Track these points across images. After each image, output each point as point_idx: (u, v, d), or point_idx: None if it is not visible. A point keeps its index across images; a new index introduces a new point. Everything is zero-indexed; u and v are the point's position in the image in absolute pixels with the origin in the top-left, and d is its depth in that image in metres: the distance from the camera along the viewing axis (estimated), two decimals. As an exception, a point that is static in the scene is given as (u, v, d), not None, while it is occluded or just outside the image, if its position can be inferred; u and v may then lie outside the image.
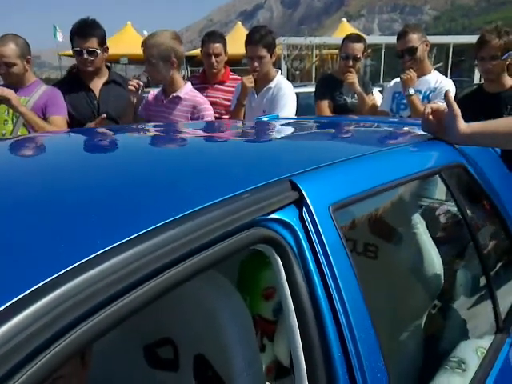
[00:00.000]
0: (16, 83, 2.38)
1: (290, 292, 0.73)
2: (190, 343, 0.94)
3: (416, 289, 1.31)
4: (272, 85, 2.63)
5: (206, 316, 0.86)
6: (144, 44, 2.34)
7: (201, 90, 2.75)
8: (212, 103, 2.55)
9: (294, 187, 0.79)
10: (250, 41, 2.60)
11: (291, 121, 2.10)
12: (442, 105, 1.36)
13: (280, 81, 2.67)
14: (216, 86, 3.00)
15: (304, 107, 3.66)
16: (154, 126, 1.81)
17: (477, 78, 12.98)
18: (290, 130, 1.73)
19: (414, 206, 1.39)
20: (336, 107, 2.89)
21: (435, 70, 2.77)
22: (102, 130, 1.67)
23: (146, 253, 0.55)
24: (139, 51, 2.51)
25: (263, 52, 2.56)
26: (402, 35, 2.62)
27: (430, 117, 1.33)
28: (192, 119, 2.34)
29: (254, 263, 1.12)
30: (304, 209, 0.78)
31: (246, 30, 12.81)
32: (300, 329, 0.73)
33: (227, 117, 2.85)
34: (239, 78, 2.92)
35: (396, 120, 2.36)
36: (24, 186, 0.80)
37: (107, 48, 2.57)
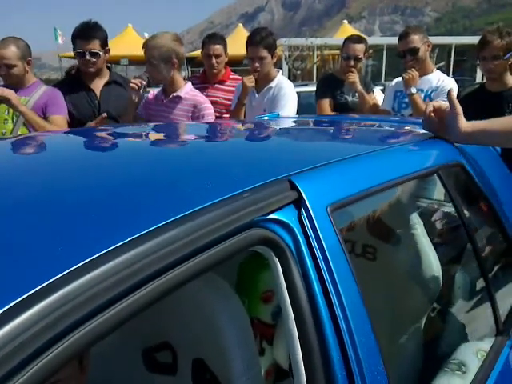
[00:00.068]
0: (16, 84, 2.41)
1: (289, 294, 0.72)
2: (189, 347, 0.94)
3: (414, 291, 1.30)
4: (273, 84, 2.65)
5: (205, 319, 0.86)
6: (145, 45, 2.35)
7: (201, 89, 2.77)
8: (212, 102, 2.55)
9: (293, 187, 0.78)
10: (251, 42, 2.62)
11: (291, 120, 2.10)
12: (444, 103, 1.35)
13: (281, 80, 2.68)
14: (216, 85, 3.02)
15: (305, 106, 3.66)
16: (154, 126, 1.81)
17: (479, 77, 13.01)
18: (289, 130, 1.72)
19: (412, 206, 1.38)
20: (337, 106, 2.90)
21: (437, 69, 2.76)
22: (102, 129, 1.67)
23: (148, 254, 0.55)
24: (139, 52, 2.51)
25: (264, 53, 2.58)
26: (403, 36, 2.63)
27: (432, 115, 1.32)
28: (192, 118, 2.35)
29: (252, 265, 1.11)
30: (302, 209, 0.77)
31: (246, 32, 12.86)
32: (299, 332, 0.72)
33: (228, 116, 2.86)
34: (239, 77, 2.93)
35: (397, 119, 2.36)
36: (24, 185, 0.79)
37: (109, 49, 2.60)
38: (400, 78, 2.68)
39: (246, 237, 0.68)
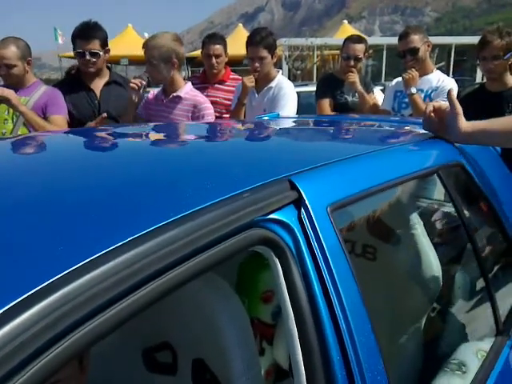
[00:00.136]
0: (16, 84, 2.41)
1: (289, 294, 0.72)
2: (189, 347, 0.94)
3: (414, 291, 1.30)
4: (273, 84, 2.65)
5: (205, 319, 0.86)
6: (145, 45, 2.35)
7: (201, 89, 2.77)
8: (212, 102, 2.55)
9: (293, 187, 0.78)
10: (250, 42, 2.62)
11: (291, 120, 2.10)
12: (444, 103, 1.35)
13: (281, 80, 2.68)
14: (216, 85, 3.02)
15: (305, 106, 3.66)
16: (154, 126, 1.81)
17: (479, 77, 13.00)
18: (289, 130, 1.72)
19: (412, 206, 1.38)
20: (337, 106, 2.90)
21: (437, 69, 2.76)
22: (102, 129, 1.67)
23: (148, 254, 0.55)
24: (139, 52, 2.51)
25: (264, 53, 2.58)
26: (403, 36, 2.63)
27: (432, 115, 1.32)
28: (192, 118, 2.35)
29: (252, 265, 1.11)
30: (302, 209, 0.77)
31: (246, 32, 12.86)
32: (299, 332, 0.72)
33: (228, 116, 2.86)
34: (239, 77, 2.93)
35: (397, 119, 2.36)
36: (24, 185, 0.79)
37: (109, 50, 2.60)
38: (400, 78, 2.68)
39: (246, 237, 0.68)
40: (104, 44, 2.53)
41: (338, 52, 10.94)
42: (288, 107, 2.57)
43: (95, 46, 2.48)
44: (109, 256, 0.52)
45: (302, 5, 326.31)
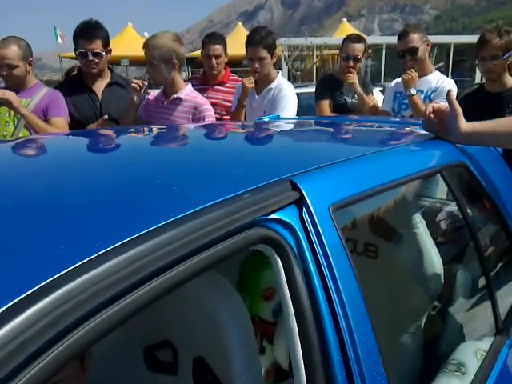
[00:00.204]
0: (17, 85, 2.39)
1: (290, 293, 0.73)
2: (190, 346, 0.94)
3: (416, 289, 1.30)
4: (273, 86, 2.64)
5: (206, 318, 0.86)
6: (146, 46, 2.35)
7: (201, 91, 2.76)
8: (212, 104, 2.55)
9: (295, 187, 0.79)
10: (250, 42, 2.60)
11: (292, 121, 2.10)
12: (444, 104, 1.36)
13: (281, 82, 2.67)
14: (216, 86, 3.01)
15: (305, 107, 3.66)
16: (155, 128, 1.81)
17: (478, 77, 12.98)
18: (290, 131, 1.73)
19: (414, 205, 1.38)
20: (336, 107, 2.89)
21: (436, 69, 2.76)
22: (103, 131, 1.67)
23: (148, 253, 0.55)
24: (140, 53, 2.50)
25: (264, 53, 2.57)
26: (402, 35, 2.62)
27: (432, 116, 1.33)
28: (193, 120, 2.35)
29: (254, 263, 1.12)
30: (304, 209, 0.77)
31: (246, 31, 12.83)
32: (299, 331, 0.72)
33: (228, 117, 2.85)
34: (239, 79, 2.92)
35: (397, 120, 2.36)
36: (25, 187, 0.80)
37: (110, 50, 2.59)
38: (399, 79, 2.67)
39: (248, 236, 0.68)
40: (106, 44, 2.51)
41: (337, 52, 10.92)
42: (288, 108, 2.56)
43: (97, 45, 2.45)
44: (109, 255, 0.53)
45: (301, 3, 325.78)
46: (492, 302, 1.22)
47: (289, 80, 3.22)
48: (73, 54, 2.60)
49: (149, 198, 0.72)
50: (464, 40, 15.79)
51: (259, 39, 2.55)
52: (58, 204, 0.70)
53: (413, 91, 2.50)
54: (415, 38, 2.57)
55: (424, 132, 1.38)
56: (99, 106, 2.56)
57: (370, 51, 4.61)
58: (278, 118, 2.16)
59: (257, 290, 1.14)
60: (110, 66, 2.74)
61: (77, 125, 2.48)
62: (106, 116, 2.42)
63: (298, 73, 14.56)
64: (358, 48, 2.84)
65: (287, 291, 0.73)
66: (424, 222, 1.28)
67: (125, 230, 0.58)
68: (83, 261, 0.51)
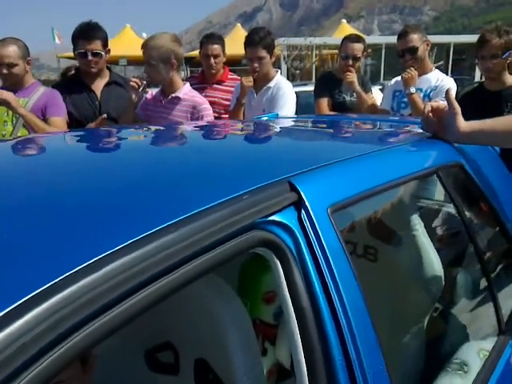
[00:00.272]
0: (15, 84, 2.40)
1: (290, 295, 0.72)
2: (191, 347, 0.94)
3: (416, 291, 1.30)
4: (271, 84, 2.65)
5: (206, 320, 0.86)
6: (144, 46, 2.35)
7: (199, 89, 2.77)
8: (211, 103, 2.55)
9: (293, 188, 0.78)
10: (249, 42, 2.61)
11: (290, 120, 2.10)
12: (443, 103, 1.35)
13: (280, 80, 2.68)
14: (215, 85, 3.02)
15: (304, 106, 3.66)
16: (154, 127, 1.81)
17: (478, 76, 13.01)
18: (288, 130, 1.72)
19: (412, 206, 1.38)
20: (335, 105, 2.90)
21: (436, 68, 2.76)
22: (102, 131, 1.66)
23: (147, 256, 0.55)
24: (138, 53, 2.50)
25: (263, 53, 2.58)
26: (402, 35, 2.62)
27: (430, 115, 1.32)
28: (192, 119, 2.35)
29: (254, 267, 1.12)
30: (303, 210, 0.77)
31: (245, 32, 12.84)
32: (300, 332, 0.72)
33: (226, 116, 2.85)
34: (238, 77, 2.93)
35: (396, 118, 2.36)
36: (23, 188, 0.79)
37: (109, 50, 2.61)
38: (399, 78, 2.68)
39: (247, 239, 0.68)
40: (105, 44, 2.54)
41: (336, 51, 10.95)
42: (287, 107, 2.57)
43: (97, 46, 2.48)
44: (109, 258, 0.53)
45: (300, 4, 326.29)
46: (494, 303, 1.21)
47: (288, 79, 3.22)
48: (70, 54, 2.61)
49: (148, 200, 0.72)
50: (463, 40, 15.83)
51: (258, 39, 2.57)
52: (57, 206, 0.70)
53: (412, 90, 2.51)
54: (415, 38, 2.58)
55: (421, 131, 1.37)
56: (98, 105, 2.57)
57: (369, 50, 4.62)
58: (277, 116, 2.16)
59: (258, 293, 1.14)
60: (109, 65, 2.75)
61: (76, 124, 2.49)
62: (105, 115, 2.43)
63: (297, 71, 14.58)
64: (357, 47, 2.85)
65: (287, 294, 0.73)
66: (422, 223, 1.27)
67: (125, 232, 0.58)
68: (83, 264, 0.51)
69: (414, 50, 2.58)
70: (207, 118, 2.36)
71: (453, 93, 1.32)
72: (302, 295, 0.72)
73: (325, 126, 1.85)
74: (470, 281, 1.37)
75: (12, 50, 2.33)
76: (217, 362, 0.90)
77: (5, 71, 2.34)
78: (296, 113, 2.67)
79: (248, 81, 2.56)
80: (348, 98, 2.92)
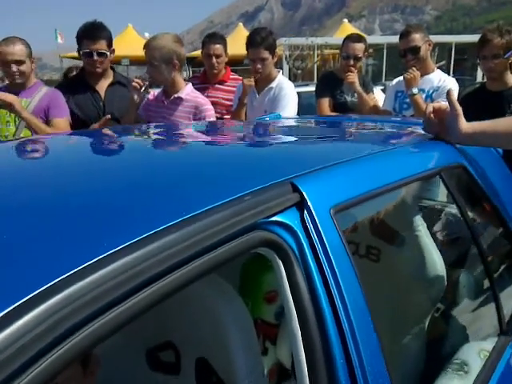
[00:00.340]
0: (21, 84, 2.39)
1: (292, 296, 0.73)
2: (192, 347, 0.94)
3: (418, 291, 1.30)
4: (273, 85, 2.65)
5: (208, 319, 0.86)
6: (146, 46, 2.36)
7: (201, 89, 2.77)
8: (213, 103, 2.56)
9: (295, 189, 0.78)
10: (251, 43, 2.61)
11: (292, 121, 2.10)
12: (444, 104, 1.35)
13: (281, 81, 2.68)
14: (217, 85, 3.01)
15: (306, 107, 3.66)
16: (156, 128, 1.81)
17: (479, 76, 12.98)
18: (290, 131, 1.72)
19: (415, 207, 1.38)
20: (336, 105, 2.89)
21: (438, 68, 2.75)
22: (106, 132, 1.67)
23: (149, 256, 0.55)
24: (140, 53, 2.50)
25: (265, 54, 2.58)
26: (404, 35, 2.62)
27: (432, 116, 1.32)
28: (194, 120, 2.35)
29: (255, 266, 1.12)
30: (305, 211, 0.77)
31: (247, 32, 12.84)
32: (302, 333, 0.72)
33: (228, 117, 2.85)
34: (240, 78, 2.93)
35: (398, 119, 2.35)
36: (25, 189, 0.80)
37: (113, 50, 2.61)
38: (401, 78, 2.66)
39: (249, 239, 0.68)
40: (110, 44, 2.54)
41: (338, 51, 10.94)
42: (289, 108, 2.57)
43: (102, 46, 2.48)
44: (110, 258, 0.53)
45: (302, 4, 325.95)
46: (495, 303, 1.21)
47: (289, 79, 3.22)
48: (73, 54, 2.62)
49: (150, 200, 0.72)
50: (465, 39, 15.82)
51: (260, 40, 2.56)
52: (58, 206, 0.70)
53: (414, 90, 2.50)
54: (417, 38, 2.57)
55: (423, 132, 1.37)
56: (102, 105, 2.57)
57: (370, 50, 4.62)
58: (280, 117, 2.16)
59: (259, 293, 1.15)
60: (112, 65, 2.76)
61: (80, 124, 2.49)
62: (109, 116, 2.43)
63: (299, 71, 14.57)
64: (359, 47, 2.84)
65: (289, 294, 0.73)
66: (425, 224, 1.28)
67: (126, 232, 0.58)
68: (84, 264, 0.51)
69: (416, 49, 2.57)
70: (209, 119, 2.36)
71: (454, 93, 1.32)
72: (303, 295, 0.72)
73: (327, 126, 1.86)
74: (473, 281, 1.37)
75: (19, 48, 2.34)
76: (218, 362, 0.90)
77: (14, 69, 2.34)
78: (298, 113, 2.67)
79: (249, 81, 2.56)
80: (349, 99, 2.91)
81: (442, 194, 1.43)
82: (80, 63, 2.96)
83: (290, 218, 0.75)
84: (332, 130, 1.78)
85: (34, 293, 0.46)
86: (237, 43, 8.65)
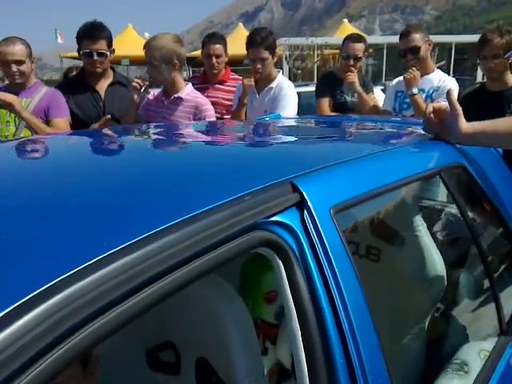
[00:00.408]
0: (21, 84, 2.39)
1: (292, 296, 0.73)
2: (192, 347, 0.94)
3: (418, 291, 1.30)
4: (273, 85, 2.65)
5: (208, 320, 0.86)
6: (146, 46, 2.36)
7: (201, 89, 2.77)
8: (213, 103, 2.56)
9: (295, 189, 0.78)
10: (251, 43, 2.61)
11: (293, 121, 2.10)
12: (444, 104, 1.35)
13: (281, 81, 2.68)
14: (216, 85, 3.02)
15: (306, 107, 3.66)
16: (156, 128, 1.81)
17: (479, 76, 12.98)
18: (290, 131, 1.72)
19: (415, 207, 1.38)
20: (336, 105, 2.89)
21: (438, 68, 2.75)
22: (105, 132, 1.67)
23: (149, 256, 0.55)
24: (140, 53, 2.51)
25: (265, 54, 2.58)
26: (404, 35, 2.62)
27: (432, 116, 1.32)
28: (194, 120, 2.35)
29: (255, 266, 1.12)
30: (305, 211, 0.77)
31: (247, 32, 12.84)
32: (302, 333, 0.72)
33: (228, 117, 2.85)
34: (240, 77, 2.93)
35: (398, 119, 2.35)
36: (25, 189, 0.80)
37: (113, 50, 2.61)
38: (401, 78, 2.66)
39: (249, 239, 0.68)
40: (110, 44, 2.54)
41: (338, 51, 10.94)
42: (289, 108, 2.57)
43: (102, 46, 2.49)
44: (110, 258, 0.53)
45: (302, 4, 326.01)
46: (496, 303, 1.21)
47: (289, 79, 3.22)
48: (73, 54, 2.63)
49: (150, 200, 0.72)
50: (465, 39, 15.82)
51: (260, 40, 2.56)
52: (58, 206, 0.70)
53: (414, 90, 2.49)
54: (417, 38, 2.57)
55: (423, 132, 1.37)
56: (102, 105, 2.57)
57: (370, 50, 4.62)
58: (280, 117, 2.16)
59: (259, 293, 1.15)
60: (112, 65, 2.76)
61: (80, 124, 2.49)
62: (109, 116, 2.43)
63: (299, 71, 14.57)
64: (359, 47, 2.84)
65: (289, 294, 0.73)
66: (425, 224, 1.28)
67: (125, 232, 0.58)
68: (84, 264, 0.51)
69: (416, 49, 2.57)
70: (209, 119, 2.36)
71: (454, 93, 1.31)
72: (303, 295, 0.72)
73: (327, 126, 1.86)
74: (473, 281, 1.37)
75: (19, 48, 2.34)
76: (218, 362, 0.90)
77: (14, 69, 2.34)
78: (298, 113, 2.67)
79: (249, 81, 2.56)
80: (349, 99, 2.91)
81: (442, 194, 1.43)
82: (80, 63, 2.96)
83: (290, 218, 0.75)
84: (332, 130, 1.78)
85: (34, 293, 0.46)
86: (237, 43, 8.65)
